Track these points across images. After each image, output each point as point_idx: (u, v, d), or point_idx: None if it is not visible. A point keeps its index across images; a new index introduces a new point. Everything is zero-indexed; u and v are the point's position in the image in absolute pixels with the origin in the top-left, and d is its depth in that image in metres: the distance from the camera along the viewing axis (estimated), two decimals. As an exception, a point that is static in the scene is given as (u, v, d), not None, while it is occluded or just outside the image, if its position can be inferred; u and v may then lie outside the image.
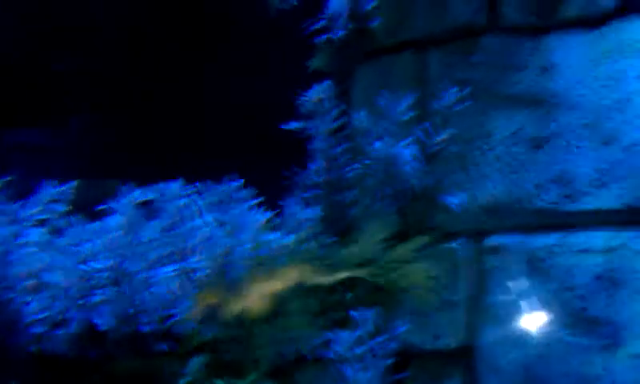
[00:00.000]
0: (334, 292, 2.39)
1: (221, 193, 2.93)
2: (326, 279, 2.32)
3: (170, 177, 3.10)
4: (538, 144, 2.46)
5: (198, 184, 2.91)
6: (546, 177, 2.44)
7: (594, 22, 2.44)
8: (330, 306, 2.54)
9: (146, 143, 3.68)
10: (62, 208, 2.92)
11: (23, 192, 2.93)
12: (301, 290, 2.48)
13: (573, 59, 2.45)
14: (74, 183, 3.01)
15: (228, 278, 2.54)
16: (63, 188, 2.98)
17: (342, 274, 2.39)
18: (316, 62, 2.94)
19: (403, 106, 2.46)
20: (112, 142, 3.71)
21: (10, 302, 2.25)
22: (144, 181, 2.88)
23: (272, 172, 3.08)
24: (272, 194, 3.00)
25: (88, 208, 2.87)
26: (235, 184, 2.93)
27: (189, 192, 2.86)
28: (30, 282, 2.29)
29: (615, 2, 2.42)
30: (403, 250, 2.49)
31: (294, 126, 2.86)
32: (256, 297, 2.39)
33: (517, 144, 2.50)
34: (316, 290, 2.49)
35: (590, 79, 2.40)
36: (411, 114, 2.50)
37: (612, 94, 2.38)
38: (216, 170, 3.07)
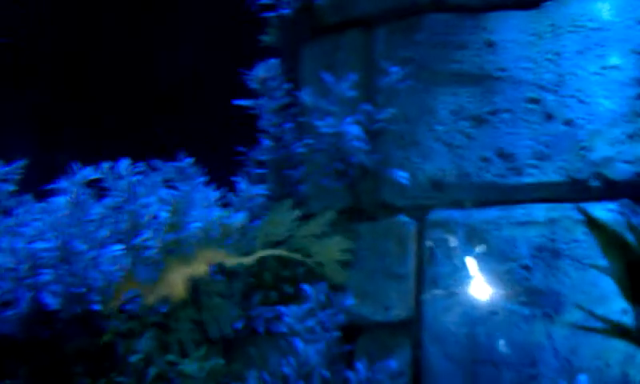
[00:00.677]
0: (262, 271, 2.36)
1: (171, 170, 2.86)
2: (246, 259, 2.29)
3: (117, 154, 3.01)
4: (481, 119, 2.45)
5: (147, 161, 2.83)
6: (490, 151, 2.43)
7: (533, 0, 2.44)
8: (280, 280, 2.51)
9: (93, 119, 3.56)
10: (10, 187, 2.80)
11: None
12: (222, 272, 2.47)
13: (514, 36, 2.43)
14: (22, 162, 2.90)
15: (176, 256, 2.48)
16: (11, 167, 2.86)
17: (260, 254, 2.36)
18: (265, 38, 2.87)
19: (347, 84, 2.42)
20: (59, 118, 3.58)
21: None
22: (92, 158, 2.79)
23: (222, 148, 3.01)
24: (222, 171, 2.93)
25: (36, 187, 2.77)
26: (185, 161, 2.86)
27: (138, 170, 2.78)
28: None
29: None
30: (315, 224, 2.48)
31: (242, 102, 2.80)
32: (178, 281, 2.34)
33: (460, 120, 2.48)
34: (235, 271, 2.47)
35: (533, 55, 2.40)
36: (356, 92, 2.46)
37: (554, 69, 2.38)
38: (165, 146, 2.99)
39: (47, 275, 2.21)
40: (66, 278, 2.22)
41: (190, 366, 2.27)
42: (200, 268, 2.50)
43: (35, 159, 3.10)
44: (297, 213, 2.37)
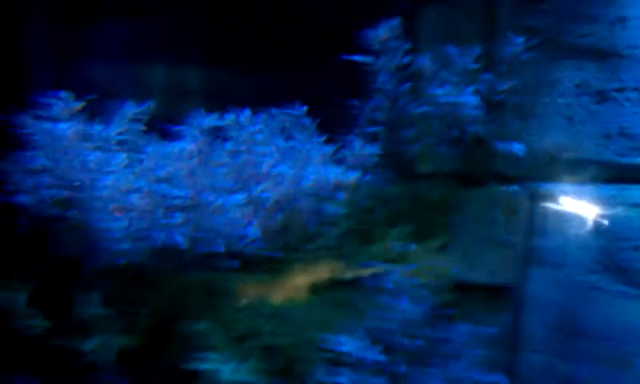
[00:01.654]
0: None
1: (287, 119, 2.90)
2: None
3: (237, 99, 3.06)
4: (606, 96, 2.35)
5: (264, 110, 2.88)
6: (613, 129, 2.34)
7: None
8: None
9: (215, 61, 3.61)
10: (140, 127, 2.92)
11: (105, 110, 2.93)
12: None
13: (647, 14, 2.31)
14: (151, 103, 3.01)
15: (291, 208, 2.55)
16: (141, 108, 2.98)
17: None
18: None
19: (470, 58, 2.36)
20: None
21: (99, 222, 2.30)
22: (215, 103, 2.85)
23: (338, 102, 3.02)
24: (335, 124, 2.95)
25: (164, 127, 2.87)
26: (301, 111, 2.89)
27: (256, 119, 2.84)
28: (116, 205, 2.32)
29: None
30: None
31: (361, 59, 2.78)
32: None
33: (584, 95, 2.39)
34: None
35: (664, 35, 2.27)
36: (476, 64, 2.40)
37: (685, 52, 2.25)
38: (281, 93, 3.02)
39: (178, 218, 2.32)
40: (193, 222, 2.33)
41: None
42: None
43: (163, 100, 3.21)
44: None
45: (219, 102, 3.30)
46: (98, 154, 2.39)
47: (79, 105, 2.70)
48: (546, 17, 2.43)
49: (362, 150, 2.76)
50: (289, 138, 2.84)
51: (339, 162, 2.78)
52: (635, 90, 2.32)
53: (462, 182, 2.56)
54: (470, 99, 2.38)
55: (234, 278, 2.45)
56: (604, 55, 2.35)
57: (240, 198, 2.47)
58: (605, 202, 2.33)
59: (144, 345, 2.35)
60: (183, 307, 2.43)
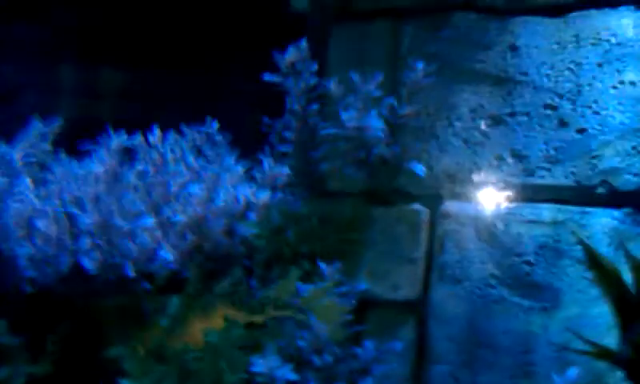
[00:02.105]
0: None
1: (198, 137, 2.91)
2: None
3: (147, 116, 3.03)
4: (499, 119, 2.48)
5: (176, 128, 2.87)
6: (505, 151, 2.48)
7: (559, 9, 2.44)
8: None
9: (125, 82, 3.57)
10: (47, 147, 2.86)
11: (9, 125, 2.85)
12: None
13: (538, 42, 2.44)
14: (58, 121, 2.94)
15: (202, 229, 2.57)
16: (49, 126, 2.91)
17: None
18: (295, 19, 2.88)
19: (374, 85, 2.44)
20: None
21: (5, 250, 2.25)
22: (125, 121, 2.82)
23: (249, 121, 3.04)
24: (246, 142, 2.98)
25: (72, 145, 2.81)
26: (213, 127, 2.90)
27: (167, 139, 2.83)
28: (22, 231, 2.27)
29: (579, -7, 2.42)
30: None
31: (270, 79, 2.82)
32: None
33: (479, 118, 2.51)
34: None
35: (554, 63, 2.41)
36: (381, 88, 2.49)
37: (568, 82, 2.41)
38: (193, 114, 3.02)
39: (87, 244, 2.30)
40: (103, 247, 2.31)
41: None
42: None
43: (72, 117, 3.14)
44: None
45: (128, 109, 3.26)
46: (2, 179, 2.32)
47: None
48: (445, 43, 2.54)
49: (273, 168, 2.80)
50: (200, 156, 2.84)
51: (251, 180, 2.82)
52: (526, 114, 2.46)
53: (369, 200, 2.64)
54: (374, 122, 2.46)
55: (147, 302, 2.45)
56: (498, 81, 2.48)
57: (150, 220, 2.46)
58: (499, 219, 2.46)
59: (55, 372, 2.31)
60: (95, 333, 2.40)
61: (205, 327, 2.29)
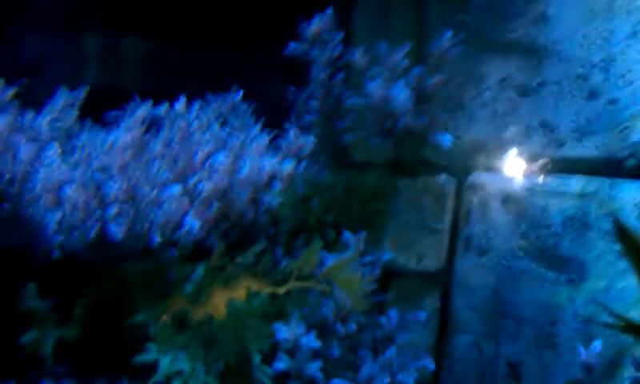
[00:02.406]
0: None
1: (223, 106, 2.90)
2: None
3: (174, 85, 3.03)
4: (528, 90, 2.45)
5: (201, 98, 2.87)
6: (534, 121, 2.44)
7: (591, -24, 2.39)
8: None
9: (151, 52, 3.57)
10: (74, 113, 2.86)
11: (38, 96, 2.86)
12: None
13: (567, 13, 2.40)
14: (85, 89, 2.95)
15: (228, 198, 2.57)
16: (75, 94, 2.92)
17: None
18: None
19: (401, 55, 2.42)
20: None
21: (34, 215, 2.27)
22: (151, 91, 2.82)
23: (275, 90, 3.03)
24: (271, 111, 2.97)
25: (99, 114, 2.82)
26: (237, 97, 2.89)
27: (193, 108, 2.83)
28: (50, 197, 2.29)
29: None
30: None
31: (296, 49, 2.80)
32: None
33: (508, 88, 2.48)
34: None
35: (586, 31, 2.37)
36: (407, 59, 2.46)
37: (601, 51, 2.36)
38: (217, 82, 3.02)
39: (114, 211, 2.31)
40: (130, 214, 2.32)
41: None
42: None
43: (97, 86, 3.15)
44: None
45: (153, 78, 3.25)
46: (31, 144, 2.34)
47: (10, 92, 2.63)
48: (473, 12, 2.50)
49: (298, 138, 2.79)
50: (225, 124, 2.84)
51: (276, 150, 2.81)
52: (556, 83, 2.42)
53: (394, 170, 2.62)
54: (400, 93, 2.43)
55: (172, 269, 2.46)
56: (528, 50, 2.44)
57: (176, 189, 2.47)
58: (527, 190, 2.44)
59: (83, 337, 2.34)
60: (121, 298, 2.42)
61: (228, 298, 2.29)
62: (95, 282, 2.38)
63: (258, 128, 2.83)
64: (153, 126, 2.72)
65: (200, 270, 2.46)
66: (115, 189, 2.26)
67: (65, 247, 2.29)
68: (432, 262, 2.53)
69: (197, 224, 2.52)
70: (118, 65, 3.49)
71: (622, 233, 2.03)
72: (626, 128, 2.33)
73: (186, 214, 2.51)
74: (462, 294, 2.50)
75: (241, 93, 2.87)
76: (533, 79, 2.43)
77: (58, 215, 2.24)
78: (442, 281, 2.53)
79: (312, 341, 2.22)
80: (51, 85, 2.95)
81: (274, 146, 2.82)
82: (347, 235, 2.49)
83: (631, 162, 2.33)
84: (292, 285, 2.32)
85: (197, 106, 2.82)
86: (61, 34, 3.45)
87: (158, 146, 2.60)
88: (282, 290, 2.29)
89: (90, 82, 3.09)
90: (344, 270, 2.34)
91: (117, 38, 3.48)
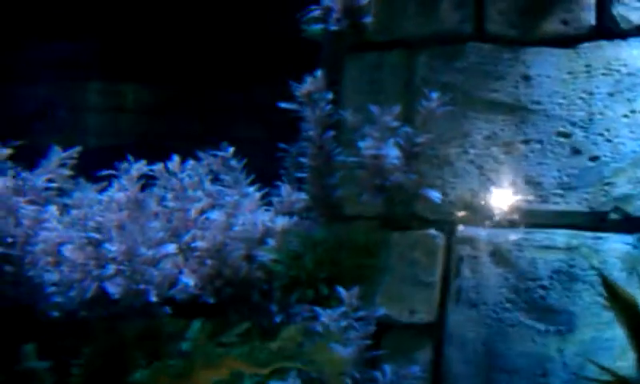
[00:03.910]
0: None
1: (214, 163, 2.98)
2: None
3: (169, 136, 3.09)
4: (512, 147, 2.56)
5: (192, 152, 2.95)
6: (519, 177, 2.55)
7: (570, 40, 2.53)
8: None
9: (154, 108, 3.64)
10: (67, 172, 2.92)
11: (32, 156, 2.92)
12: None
13: (550, 72, 2.53)
14: (78, 147, 3.01)
15: (222, 255, 2.64)
16: (68, 152, 2.97)
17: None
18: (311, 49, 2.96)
19: (391, 116, 2.53)
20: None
21: (34, 277, 2.32)
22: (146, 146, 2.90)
23: (267, 148, 3.12)
24: (263, 167, 3.05)
25: (92, 173, 2.89)
26: (228, 154, 2.97)
27: (186, 165, 2.90)
28: (50, 258, 2.35)
29: (590, 25, 2.51)
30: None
31: (287, 107, 2.90)
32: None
33: (493, 146, 2.60)
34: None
35: (566, 92, 2.50)
36: (396, 120, 2.57)
37: (585, 108, 2.49)
38: (210, 137, 3.10)
39: (111, 271, 2.37)
40: (127, 273, 2.38)
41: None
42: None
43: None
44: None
45: (151, 124, 3.31)
46: (31, 207, 2.40)
47: (5, 152, 2.69)
48: (459, 73, 2.63)
49: (290, 194, 2.88)
50: (217, 181, 2.92)
51: (268, 205, 2.89)
52: (539, 141, 2.54)
53: (385, 225, 2.71)
54: (390, 151, 2.54)
55: (169, 326, 2.51)
56: (511, 109, 2.57)
57: (171, 247, 2.53)
58: (514, 244, 2.54)
59: (81, 396, 2.37)
60: (118, 356, 2.46)
61: (212, 378, 2.33)
62: (93, 341, 2.42)
63: (249, 184, 2.91)
64: (147, 182, 2.79)
65: (194, 328, 2.52)
66: (113, 249, 2.32)
67: (63, 307, 2.34)
68: (424, 315, 2.60)
69: (191, 282, 2.58)
70: (117, 111, 3.54)
71: (607, 286, 2.13)
72: (608, 183, 2.45)
73: (180, 271, 2.58)
74: (454, 346, 2.57)
75: (231, 149, 2.95)
76: (517, 137, 2.55)
77: (56, 276, 2.29)
78: (435, 334, 2.60)
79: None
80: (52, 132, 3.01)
81: (266, 202, 2.90)
82: (340, 291, 2.56)
83: (614, 216, 2.44)
84: (275, 365, 2.35)
85: (189, 163, 2.90)
86: (63, 83, 3.52)
87: (152, 204, 2.67)
88: (265, 371, 2.33)
89: (90, 128, 3.14)
90: (323, 353, 2.39)
91: (116, 86, 3.54)
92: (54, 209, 2.44)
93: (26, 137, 2.71)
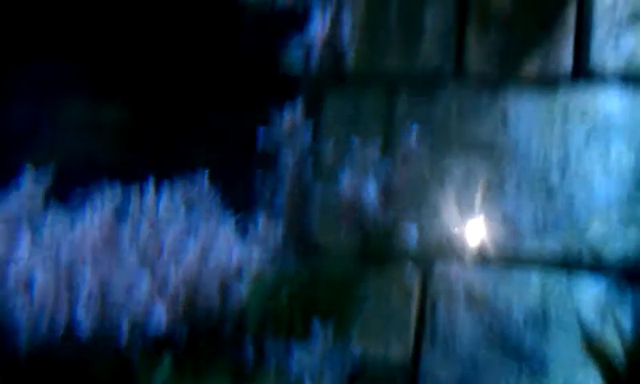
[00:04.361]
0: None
1: (190, 189, 2.96)
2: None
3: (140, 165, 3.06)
4: (490, 186, 2.59)
5: (168, 179, 2.92)
6: (495, 216, 2.57)
7: (549, 83, 2.56)
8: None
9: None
10: (41, 197, 2.87)
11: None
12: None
13: (527, 115, 2.57)
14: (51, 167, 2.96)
15: (196, 287, 2.62)
16: (40, 171, 2.92)
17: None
18: (290, 81, 2.96)
19: (372, 150, 2.54)
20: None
21: (5, 314, 2.28)
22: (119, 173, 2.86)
23: (244, 177, 3.10)
24: (239, 195, 3.03)
25: (65, 196, 2.84)
26: (204, 181, 2.95)
27: (159, 192, 2.87)
28: (19, 295, 2.30)
29: (568, 68, 2.55)
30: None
31: (262, 134, 2.89)
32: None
33: (469, 184, 2.62)
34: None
35: (540, 135, 2.54)
36: (375, 153, 2.58)
37: (558, 151, 2.53)
38: (185, 162, 3.07)
39: (83, 305, 2.33)
40: (99, 307, 2.34)
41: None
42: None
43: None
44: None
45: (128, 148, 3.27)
46: (4, 238, 2.35)
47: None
48: (438, 110, 2.64)
49: (266, 224, 2.86)
50: (191, 208, 2.89)
51: (244, 235, 2.87)
52: (516, 180, 2.57)
53: (361, 259, 2.71)
54: (369, 184, 2.54)
55: (141, 361, 2.47)
56: (489, 148, 2.59)
57: (144, 279, 2.50)
58: (490, 283, 2.55)
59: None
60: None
61: None
62: (65, 378, 2.38)
63: (224, 213, 2.89)
64: (121, 213, 2.76)
65: (165, 364, 2.49)
66: (85, 283, 2.28)
67: (34, 344, 2.29)
68: (399, 352, 2.60)
69: (164, 316, 2.54)
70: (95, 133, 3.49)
71: (582, 332, 2.15)
72: (583, 226, 2.48)
73: (153, 304, 2.54)
74: None
75: (206, 176, 2.93)
76: (494, 175, 2.57)
77: (26, 313, 2.24)
78: (409, 372, 2.60)
79: None
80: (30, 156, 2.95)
81: (242, 232, 2.88)
82: (315, 325, 2.55)
83: (588, 258, 2.47)
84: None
85: (164, 191, 2.87)
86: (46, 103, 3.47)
87: (126, 234, 2.64)
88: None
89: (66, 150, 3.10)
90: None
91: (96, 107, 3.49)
92: (26, 243, 2.39)
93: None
